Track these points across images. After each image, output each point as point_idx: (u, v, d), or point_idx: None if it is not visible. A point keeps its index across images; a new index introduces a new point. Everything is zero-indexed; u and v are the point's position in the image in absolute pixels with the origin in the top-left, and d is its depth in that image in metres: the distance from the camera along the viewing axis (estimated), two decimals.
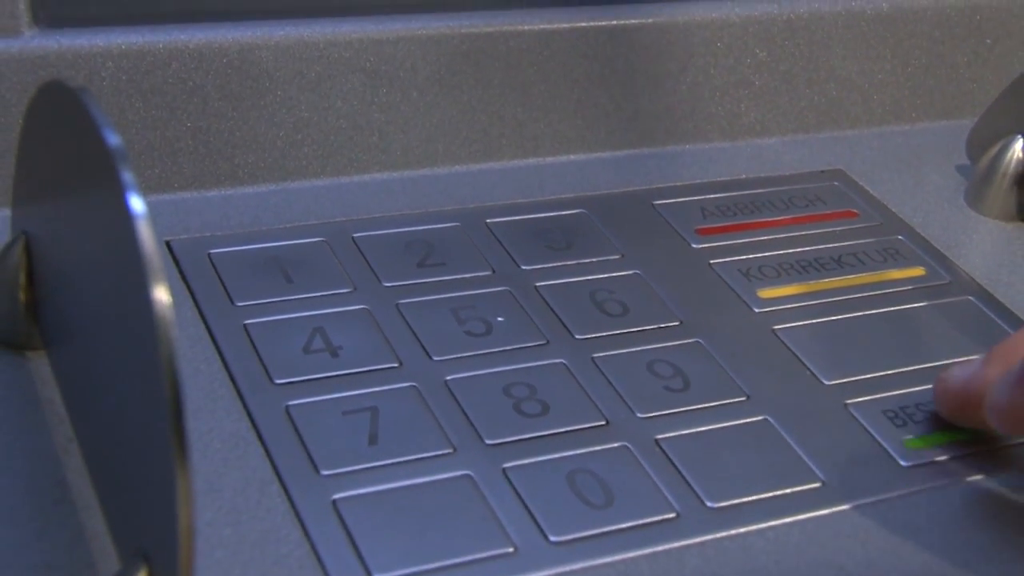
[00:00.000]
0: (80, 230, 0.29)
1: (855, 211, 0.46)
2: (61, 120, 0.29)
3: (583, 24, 0.46)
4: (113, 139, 0.26)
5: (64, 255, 0.31)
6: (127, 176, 0.25)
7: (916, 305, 0.42)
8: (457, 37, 0.44)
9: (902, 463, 0.36)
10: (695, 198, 0.45)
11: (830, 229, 0.45)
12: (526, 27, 0.45)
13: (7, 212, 0.36)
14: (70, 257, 0.31)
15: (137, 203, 0.25)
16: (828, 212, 0.46)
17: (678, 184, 0.46)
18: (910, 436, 0.37)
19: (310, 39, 0.42)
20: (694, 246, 0.43)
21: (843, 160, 0.49)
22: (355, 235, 0.40)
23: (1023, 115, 0.47)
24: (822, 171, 0.48)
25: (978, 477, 0.36)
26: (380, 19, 0.43)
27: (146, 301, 0.24)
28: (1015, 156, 0.47)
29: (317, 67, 0.42)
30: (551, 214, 0.43)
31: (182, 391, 0.23)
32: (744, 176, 0.47)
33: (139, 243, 0.24)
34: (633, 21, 0.47)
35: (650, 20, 0.47)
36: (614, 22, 0.47)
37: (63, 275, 0.31)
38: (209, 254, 0.39)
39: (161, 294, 0.24)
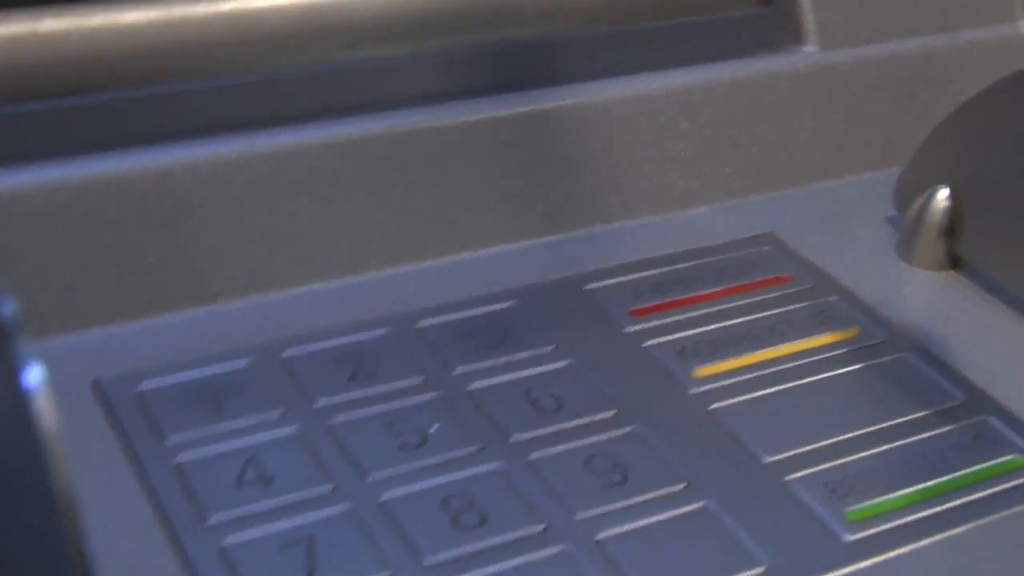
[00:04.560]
0: None
1: (787, 275, 0.46)
2: None
3: (501, 113, 0.47)
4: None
5: None
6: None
7: (852, 368, 0.42)
8: (374, 139, 0.44)
9: (845, 537, 0.36)
10: (626, 278, 0.45)
11: (763, 297, 0.45)
12: (443, 122, 0.45)
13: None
14: None
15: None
16: (760, 279, 0.46)
17: (609, 265, 0.46)
18: (851, 507, 0.37)
19: (226, 158, 0.42)
20: (627, 329, 0.43)
21: (773, 222, 0.49)
22: (285, 354, 0.40)
23: (947, 163, 0.48)
24: (752, 236, 0.48)
25: (924, 542, 0.36)
26: (295, 129, 0.43)
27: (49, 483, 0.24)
28: (941, 206, 0.47)
29: (235, 185, 0.42)
30: (482, 310, 0.43)
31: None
32: (675, 250, 0.47)
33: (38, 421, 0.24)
34: (551, 105, 0.47)
35: (568, 102, 0.48)
36: (531, 108, 0.47)
37: None
38: (138, 389, 0.39)
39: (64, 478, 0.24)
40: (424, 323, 0.42)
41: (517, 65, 0.49)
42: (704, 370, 0.41)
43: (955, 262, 0.47)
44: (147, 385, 0.39)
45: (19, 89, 0.41)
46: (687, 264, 0.46)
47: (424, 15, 0.47)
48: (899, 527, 0.36)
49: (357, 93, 0.45)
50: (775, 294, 0.45)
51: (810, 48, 0.52)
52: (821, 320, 0.44)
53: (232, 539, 0.34)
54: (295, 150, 0.43)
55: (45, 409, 0.24)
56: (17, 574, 0.25)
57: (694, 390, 0.41)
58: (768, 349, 0.42)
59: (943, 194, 0.47)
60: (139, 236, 0.41)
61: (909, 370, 0.42)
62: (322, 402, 0.39)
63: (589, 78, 0.49)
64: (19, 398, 0.24)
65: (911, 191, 0.48)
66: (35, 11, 0.41)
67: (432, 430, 0.38)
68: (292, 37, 0.46)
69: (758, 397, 0.40)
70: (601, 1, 0.50)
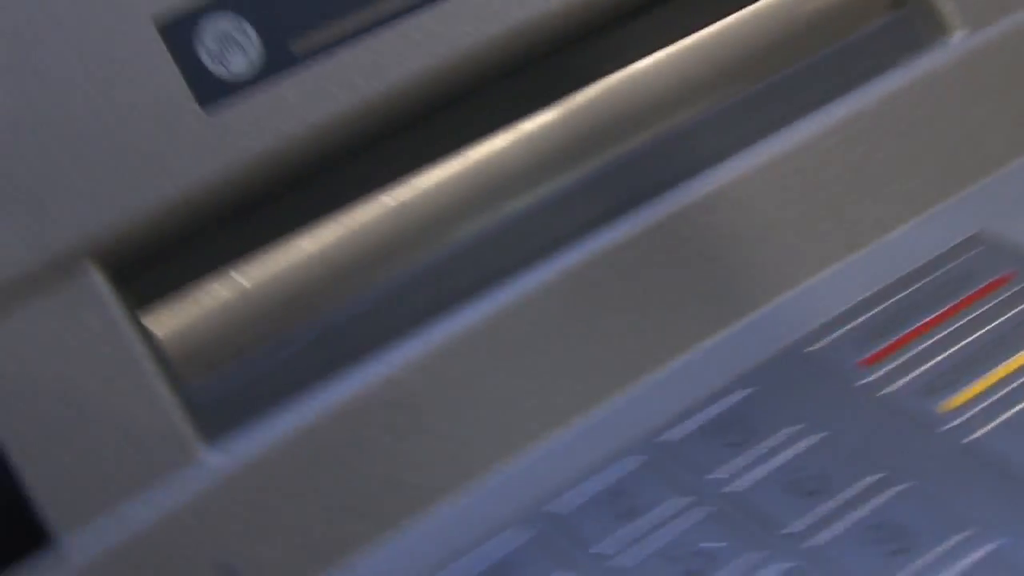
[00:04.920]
0: None
1: (1009, 273, 0.45)
2: None
3: (673, 210, 0.47)
4: None
5: None
6: None
7: None
8: (566, 279, 0.46)
9: None
10: (843, 330, 0.45)
11: (990, 304, 0.44)
12: (621, 238, 0.46)
13: None
14: None
15: None
16: (981, 287, 0.45)
17: (821, 323, 0.46)
18: None
19: (443, 344, 0.44)
20: (860, 382, 0.43)
21: (978, 221, 0.48)
22: (550, 511, 0.42)
23: None
24: (961, 243, 0.48)
25: None
26: (490, 295, 0.45)
27: None
28: None
29: (457, 367, 0.44)
30: (716, 407, 0.44)
31: None
32: (882, 285, 0.47)
33: None
34: (714, 186, 0.48)
35: (732, 176, 0.48)
36: (699, 196, 0.47)
37: None
38: None
39: None
40: (668, 438, 0.43)
41: (677, 157, 0.49)
42: (951, 403, 0.41)
43: None
44: None
45: (242, 345, 0.44)
46: (899, 296, 0.46)
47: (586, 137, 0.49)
48: None
49: (529, 241, 0.47)
50: (1003, 297, 0.44)
51: (959, 34, 0.51)
52: None
53: None
54: (498, 313, 0.45)
55: None
56: None
57: (946, 426, 0.40)
58: (1014, 359, 0.42)
59: None
60: (383, 443, 0.43)
61: None
62: (598, 548, 0.40)
63: (746, 145, 0.49)
64: None
65: None
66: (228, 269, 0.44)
67: (711, 548, 0.39)
68: (454, 206, 0.48)
69: (1016, 415, 0.40)
70: (732, 67, 0.51)
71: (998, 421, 0.40)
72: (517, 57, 0.48)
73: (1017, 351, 0.42)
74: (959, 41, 0.51)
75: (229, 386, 0.43)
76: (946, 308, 0.45)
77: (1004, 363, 0.42)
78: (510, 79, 0.48)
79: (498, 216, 0.48)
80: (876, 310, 0.46)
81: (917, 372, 0.43)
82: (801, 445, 0.41)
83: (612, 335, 0.46)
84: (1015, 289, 0.45)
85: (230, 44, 0.43)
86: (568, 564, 0.40)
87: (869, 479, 0.39)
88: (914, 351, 0.43)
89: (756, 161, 0.48)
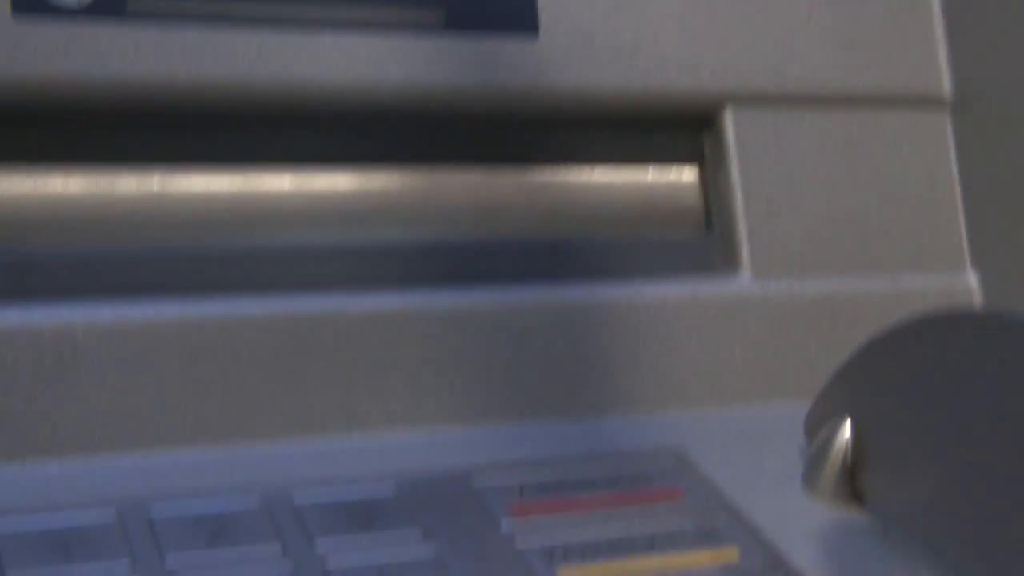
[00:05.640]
0: None
1: (681, 490, 0.46)
2: None
3: (417, 307, 0.48)
4: None
5: None
6: None
7: None
8: (282, 320, 0.45)
9: None
10: (516, 476, 0.45)
11: (650, 508, 0.45)
12: (355, 310, 0.47)
13: None
14: None
15: None
16: (652, 491, 0.46)
17: (500, 462, 0.46)
18: None
19: (128, 322, 0.43)
20: (503, 527, 0.43)
21: (685, 440, 0.49)
22: (150, 511, 0.41)
23: (854, 397, 0.47)
24: (656, 449, 0.48)
25: None
26: (202, 302, 0.45)
27: None
28: (843, 439, 0.47)
29: (133, 348, 0.43)
30: (360, 493, 0.43)
31: None
32: (575, 454, 0.47)
33: None
34: (465, 304, 0.48)
35: (484, 303, 0.49)
36: (446, 305, 0.48)
37: None
38: None
39: None
40: (299, 498, 0.42)
41: (447, 264, 0.50)
42: (568, 572, 0.41)
43: (860, 497, 0.47)
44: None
45: None
46: (582, 468, 0.46)
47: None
48: None
49: (272, 276, 0.47)
50: (663, 507, 0.45)
51: (744, 274, 0.53)
52: (703, 537, 0.44)
53: None
54: (199, 323, 0.44)
55: None
56: None
57: None
58: (640, 559, 0.42)
59: (846, 427, 0.47)
60: (26, 384, 0.42)
61: None
62: (171, 561, 0.39)
63: (518, 281, 0.50)
64: None
65: (820, 421, 0.48)
66: None
67: None
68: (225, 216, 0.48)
69: None
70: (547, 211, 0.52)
71: None
72: None
73: (649, 554, 0.42)
74: (742, 280, 0.53)
75: None
76: (610, 495, 0.45)
77: (633, 560, 0.42)
78: None
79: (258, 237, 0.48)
80: (552, 470, 0.46)
81: (555, 536, 0.43)
82: (412, 553, 0.41)
83: (313, 387, 0.45)
84: (676, 506, 0.45)
85: None
86: (132, 564, 0.38)
87: None
88: (564, 518, 0.43)
89: (535, 298, 0.49)
